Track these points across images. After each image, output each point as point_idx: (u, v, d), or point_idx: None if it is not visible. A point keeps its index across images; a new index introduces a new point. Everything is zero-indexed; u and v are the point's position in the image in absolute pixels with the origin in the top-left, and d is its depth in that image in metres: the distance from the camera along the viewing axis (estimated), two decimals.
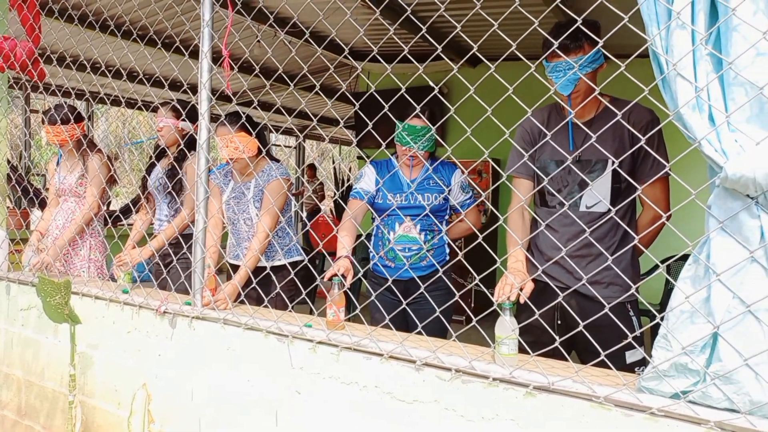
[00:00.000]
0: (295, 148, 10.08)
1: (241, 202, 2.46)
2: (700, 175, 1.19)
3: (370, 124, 1.59)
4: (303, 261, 2.56)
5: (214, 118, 2.23)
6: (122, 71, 2.39)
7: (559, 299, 1.44)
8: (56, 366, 2.38)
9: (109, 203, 3.27)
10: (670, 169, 1.19)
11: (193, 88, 2.05)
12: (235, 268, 2.44)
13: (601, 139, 1.51)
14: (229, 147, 2.32)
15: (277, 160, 2.55)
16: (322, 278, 1.97)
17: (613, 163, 1.74)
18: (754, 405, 1.08)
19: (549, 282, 1.81)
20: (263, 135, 2.50)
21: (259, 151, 2.44)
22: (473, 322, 1.45)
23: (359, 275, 2.02)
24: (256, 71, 1.87)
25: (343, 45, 1.89)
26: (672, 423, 1.15)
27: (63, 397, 2.32)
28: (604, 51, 1.54)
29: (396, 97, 1.71)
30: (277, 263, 2.45)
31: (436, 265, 2.28)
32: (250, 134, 2.36)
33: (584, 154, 1.81)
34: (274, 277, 2.23)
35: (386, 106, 1.57)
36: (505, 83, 1.40)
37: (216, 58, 2.00)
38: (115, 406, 2.16)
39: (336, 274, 1.91)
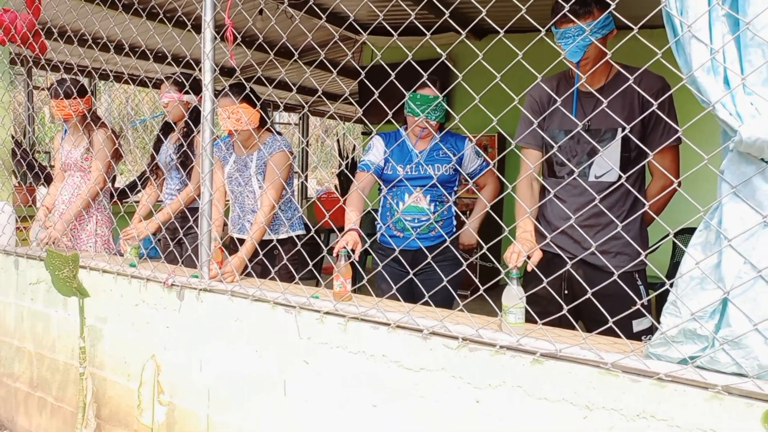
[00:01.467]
0: (296, 124, 10.02)
1: (243, 174, 2.45)
2: (711, 145, 1.17)
3: (376, 93, 1.56)
4: (307, 235, 2.56)
5: (217, 93, 2.21)
6: (125, 44, 2.36)
7: (567, 267, 1.43)
8: (66, 339, 2.41)
9: (114, 178, 3.28)
10: (682, 134, 1.16)
11: (196, 62, 2.03)
12: (240, 241, 2.45)
13: (610, 107, 1.49)
14: (231, 118, 2.30)
15: (280, 134, 2.53)
16: (330, 251, 1.97)
17: (623, 130, 1.73)
18: (763, 369, 1.08)
19: (557, 252, 1.81)
20: (265, 109, 2.48)
21: (262, 124, 2.42)
22: (480, 291, 1.45)
23: (365, 247, 2.02)
24: (260, 41, 1.84)
25: (348, 13, 1.86)
26: (679, 388, 1.15)
27: (74, 369, 2.36)
28: (614, 13, 1.50)
29: (402, 65, 1.69)
30: (282, 236, 2.46)
31: (444, 235, 2.28)
32: (253, 106, 2.34)
33: (593, 123, 1.78)
34: (280, 250, 2.24)
35: (392, 75, 1.55)
36: (516, 49, 1.37)
37: (219, 30, 1.97)
38: (124, 377, 2.19)
39: (344, 247, 1.91)
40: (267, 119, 2.47)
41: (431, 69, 1.62)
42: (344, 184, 7.69)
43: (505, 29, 1.38)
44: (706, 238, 1.17)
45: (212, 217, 2.02)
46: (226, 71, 6.54)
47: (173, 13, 2.30)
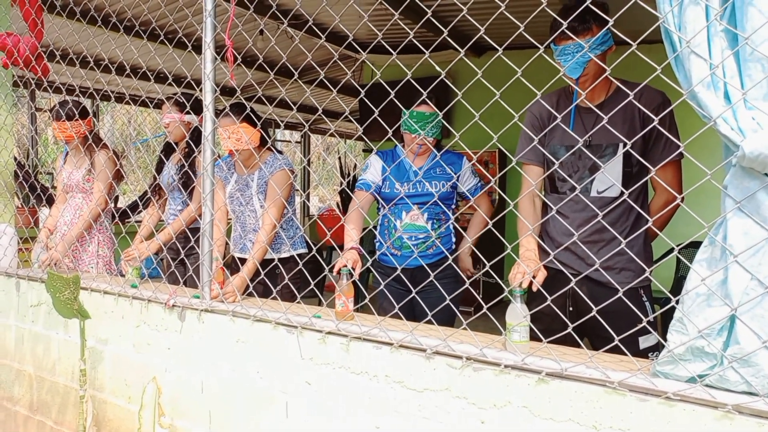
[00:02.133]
0: (298, 142, 10.07)
1: (245, 194, 2.45)
2: (713, 159, 1.16)
3: (377, 112, 1.57)
4: (309, 253, 2.55)
5: (218, 113, 2.22)
6: (126, 66, 2.38)
7: (571, 285, 1.42)
8: (67, 361, 2.39)
9: (117, 199, 3.28)
10: (684, 150, 1.16)
11: (197, 82, 2.04)
12: (242, 260, 2.44)
13: (611, 122, 1.49)
14: (232, 138, 2.31)
15: (281, 152, 2.53)
16: (331, 270, 1.96)
17: (624, 145, 1.72)
18: None
19: (560, 268, 1.79)
20: (266, 128, 2.48)
21: (263, 143, 2.42)
22: (484, 309, 1.44)
23: (367, 265, 2.01)
24: (260, 61, 1.85)
25: (348, 32, 1.87)
26: (688, 407, 1.13)
27: (74, 391, 2.33)
28: (613, 30, 1.51)
29: (402, 83, 1.69)
30: (284, 255, 2.45)
31: (445, 252, 2.27)
32: (254, 125, 2.35)
33: (594, 139, 1.78)
34: (282, 269, 2.23)
35: (392, 93, 1.55)
36: (515, 66, 1.37)
37: (219, 51, 1.99)
38: (125, 400, 2.16)
39: (345, 265, 1.90)
40: (268, 138, 2.48)
41: (431, 87, 1.62)
42: (345, 201, 7.69)
43: (504, 47, 1.38)
44: (711, 254, 1.16)
45: (213, 237, 2.02)
46: (227, 91, 6.60)
47: (174, 34, 2.32)
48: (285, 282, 2.35)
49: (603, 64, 1.69)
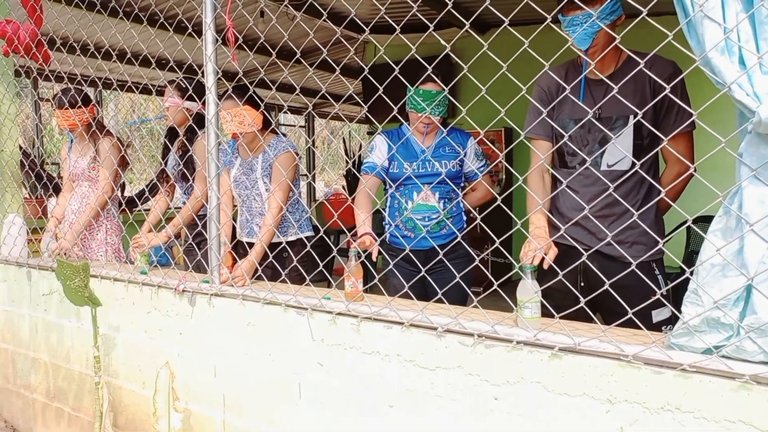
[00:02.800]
0: (302, 126, 10.02)
1: (250, 177, 2.43)
2: (726, 131, 1.13)
3: (380, 89, 1.54)
4: (315, 236, 2.54)
5: (220, 96, 2.20)
6: (127, 52, 2.36)
7: (583, 259, 1.40)
8: (80, 348, 2.41)
9: (123, 186, 3.28)
10: (697, 119, 1.13)
11: (199, 66, 2.01)
12: (249, 245, 2.43)
13: (621, 94, 1.45)
14: (234, 121, 2.28)
15: (284, 135, 2.51)
16: (340, 252, 1.95)
17: (635, 117, 1.69)
18: None
19: (571, 244, 1.78)
20: (269, 110, 2.46)
21: (266, 125, 2.40)
22: (494, 286, 1.43)
23: (375, 245, 1.99)
24: (260, 41, 1.82)
25: (350, 9, 1.83)
26: (704, 378, 1.12)
27: (89, 378, 2.36)
28: None
29: (405, 59, 1.66)
30: (291, 238, 2.44)
31: (456, 232, 2.25)
32: (256, 108, 2.32)
33: (604, 111, 1.75)
34: (290, 252, 2.22)
35: (396, 69, 1.52)
36: (522, 38, 1.34)
37: (220, 34, 1.96)
38: (139, 385, 2.18)
39: (354, 247, 1.89)
40: (271, 120, 2.45)
41: (435, 63, 1.59)
42: (352, 183, 7.67)
43: (509, 18, 1.35)
44: (726, 224, 1.14)
45: (221, 222, 2.01)
46: (229, 75, 6.55)
47: (174, 18, 2.28)
48: (293, 265, 2.34)
49: (613, 33, 1.65)
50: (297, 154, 2.38)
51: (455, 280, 1.63)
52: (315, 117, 10.34)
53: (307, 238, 2.49)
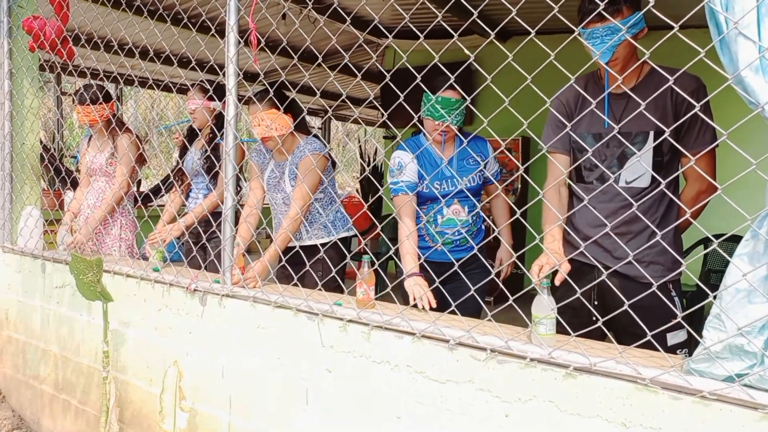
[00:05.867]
0: (319, 128, 10.06)
1: (280, 181, 2.41)
2: (750, 149, 1.10)
3: (401, 97, 1.53)
4: (353, 235, 2.51)
5: (241, 98, 2.20)
6: (150, 50, 2.37)
7: (602, 278, 1.37)
8: (90, 342, 2.42)
9: (139, 182, 3.30)
10: (727, 138, 1.10)
11: (220, 66, 2.02)
12: (286, 249, 2.39)
13: (642, 109, 1.42)
14: (262, 125, 2.27)
15: (310, 133, 2.47)
16: (355, 256, 1.93)
17: (657, 133, 1.66)
18: None
19: (586, 261, 1.74)
20: (297, 109, 2.40)
21: (299, 128, 2.37)
22: (510, 301, 1.40)
23: (389, 254, 1.97)
24: (283, 44, 1.82)
25: (374, 15, 1.82)
26: (725, 407, 1.09)
27: (98, 372, 2.36)
28: (653, 11, 1.44)
29: (428, 68, 1.65)
30: (323, 240, 2.40)
31: (475, 245, 2.23)
32: (285, 111, 2.29)
33: (624, 126, 1.72)
34: (324, 256, 2.14)
35: (419, 77, 1.51)
36: (548, 50, 1.32)
37: (242, 35, 1.96)
38: (147, 382, 2.18)
39: (366, 253, 1.87)
40: (302, 122, 2.42)
41: (458, 72, 1.58)
42: (365, 188, 7.66)
43: (535, 30, 1.33)
44: (754, 248, 1.10)
45: (243, 225, 1.99)
46: (250, 76, 6.59)
47: (197, 18, 2.29)
48: (323, 267, 2.29)
49: (634, 48, 1.62)
50: (326, 157, 2.34)
51: (470, 293, 1.60)
52: (332, 119, 10.37)
53: (341, 240, 2.45)
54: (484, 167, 2.27)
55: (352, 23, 4.77)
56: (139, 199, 3.13)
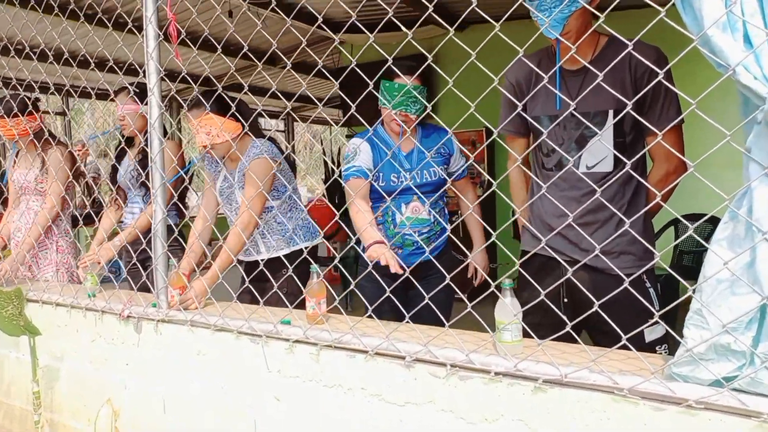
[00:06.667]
0: (282, 131, 9.79)
1: (232, 191, 2.18)
2: (725, 119, 0.96)
3: (366, 91, 1.37)
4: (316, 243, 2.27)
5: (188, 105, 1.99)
6: (64, 51, 2.16)
7: (569, 275, 1.22)
8: (21, 382, 2.19)
9: (88, 200, 3.06)
10: (696, 107, 0.96)
11: (141, 66, 1.81)
12: (247, 264, 2.16)
13: (599, 86, 1.28)
14: (201, 132, 2.02)
15: (264, 136, 2.21)
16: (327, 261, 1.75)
17: (616, 113, 1.52)
18: None
19: (551, 255, 1.59)
20: (244, 111, 2.12)
21: (251, 131, 2.12)
22: (476, 301, 1.24)
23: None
24: (221, 44, 1.64)
25: (318, 15, 1.63)
26: (714, 417, 0.95)
27: (31, 416, 2.13)
28: None
29: (384, 68, 1.51)
30: (283, 252, 2.14)
31: (442, 246, 2.06)
32: (223, 115, 2.03)
33: (580, 105, 1.56)
34: (289, 267, 1.79)
35: (373, 81, 1.35)
36: (508, 39, 1.17)
37: (191, 36, 1.75)
38: (85, 422, 1.97)
39: (314, 264, 1.67)
40: (254, 125, 2.17)
41: (403, 57, 1.43)
42: (331, 189, 7.45)
43: (501, 21, 1.19)
44: (734, 232, 0.97)
45: (192, 240, 1.78)
46: (204, 82, 6.32)
47: (112, 13, 2.08)
48: (282, 283, 2.01)
49: (587, 19, 1.48)
50: (274, 160, 2.05)
51: (424, 301, 1.43)
52: (296, 121, 10.12)
53: (302, 249, 2.09)
54: (448, 161, 2.10)
55: (305, 20, 4.58)
56: (81, 220, 2.89)
